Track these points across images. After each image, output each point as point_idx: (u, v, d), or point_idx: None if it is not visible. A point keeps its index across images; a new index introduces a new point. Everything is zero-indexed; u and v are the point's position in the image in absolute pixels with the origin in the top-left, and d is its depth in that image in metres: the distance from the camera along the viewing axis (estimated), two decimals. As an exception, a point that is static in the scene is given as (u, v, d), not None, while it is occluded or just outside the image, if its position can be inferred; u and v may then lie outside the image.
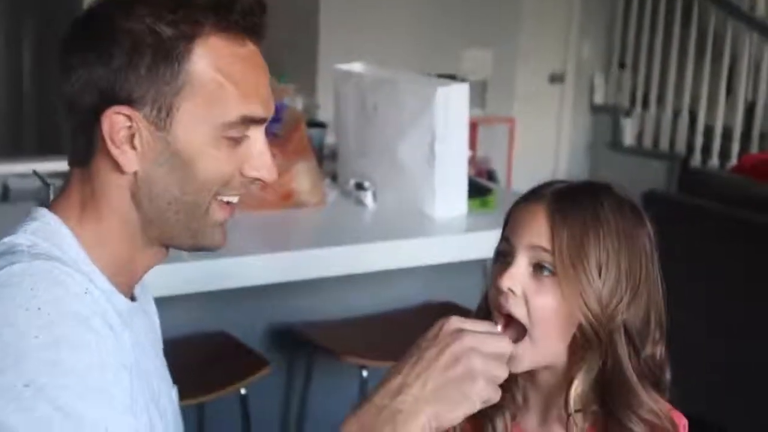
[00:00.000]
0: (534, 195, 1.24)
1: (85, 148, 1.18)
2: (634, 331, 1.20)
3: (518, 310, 1.18)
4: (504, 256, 1.22)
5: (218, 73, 1.15)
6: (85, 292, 1.09)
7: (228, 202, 1.22)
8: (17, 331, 1.02)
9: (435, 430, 1.09)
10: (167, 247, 1.24)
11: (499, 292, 1.19)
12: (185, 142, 1.15)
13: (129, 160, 1.15)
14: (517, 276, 1.18)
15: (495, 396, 1.12)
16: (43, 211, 1.19)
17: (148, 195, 1.17)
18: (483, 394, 1.10)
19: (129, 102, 1.14)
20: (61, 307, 1.05)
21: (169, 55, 1.14)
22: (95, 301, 1.10)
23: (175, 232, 1.20)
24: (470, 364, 1.09)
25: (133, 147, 1.15)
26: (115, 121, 1.14)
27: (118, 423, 1.04)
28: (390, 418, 1.07)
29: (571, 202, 1.21)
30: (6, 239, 1.15)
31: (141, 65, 1.13)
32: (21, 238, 1.14)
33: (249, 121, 1.18)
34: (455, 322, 1.13)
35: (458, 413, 1.10)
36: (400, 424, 1.07)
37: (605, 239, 1.19)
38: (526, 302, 1.18)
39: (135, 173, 1.17)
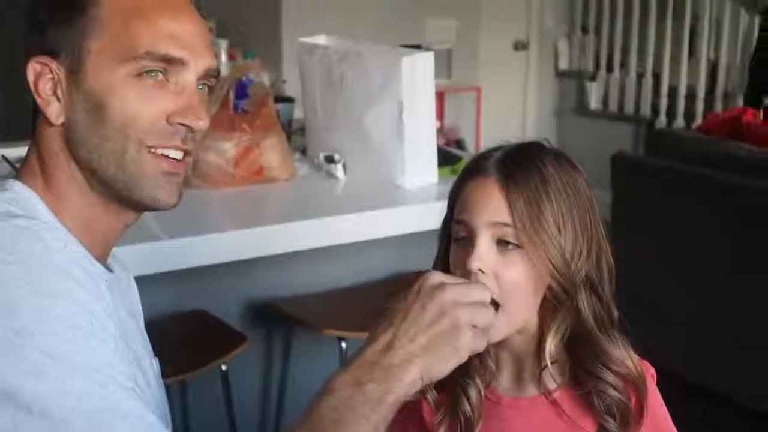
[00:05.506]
0: (477, 171, 1.24)
1: (33, 113, 1.23)
2: (595, 280, 1.23)
3: (489, 288, 1.18)
4: (463, 238, 1.23)
5: (127, 14, 1.18)
6: (64, 246, 1.12)
7: (166, 156, 1.21)
8: (3, 283, 1.04)
9: (427, 380, 1.11)
10: (134, 209, 1.25)
11: (467, 273, 1.19)
12: (95, 82, 1.18)
13: (54, 110, 1.20)
14: (484, 255, 1.19)
15: (481, 344, 1.13)
16: (12, 182, 1.22)
17: (75, 144, 1.20)
18: (470, 344, 1.11)
19: (49, 53, 1.19)
20: (43, 259, 1.08)
21: (78, 1, 1.18)
22: (75, 253, 1.14)
23: (113, 184, 1.21)
24: (456, 316, 1.10)
25: (58, 98, 1.19)
26: (39, 73, 1.19)
27: (109, 364, 1.06)
28: (382, 372, 1.08)
29: (517, 170, 1.21)
30: None
31: (55, 15, 1.19)
32: None
33: (161, 59, 1.19)
34: (436, 276, 1.14)
35: (448, 365, 1.11)
36: (393, 376, 1.08)
37: (557, 197, 1.20)
38: (496, 278, 1.19)
39: (63, 124, 1.20)
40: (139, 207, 1.25)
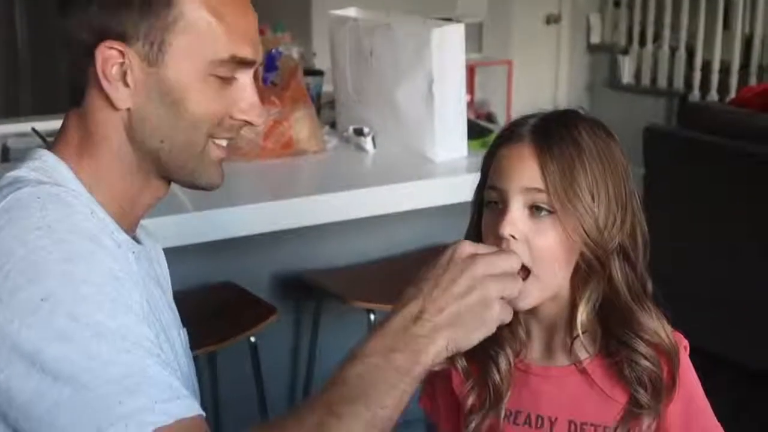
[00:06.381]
0: (512, 137, 1.23)
1: (80, 86, 1.21)
2: (629, 250, 1.21)
3: (521, 254, 1.17)
4: (495, 204, 1.22)
5: (209, 12, 1.18)
6: (92, 213, 1.13)
7: (220, 144, 1.25)
8: (31, 248, 1.04)
9: (453, 351, 1.11)
10: (168, 181, 1.27)
11: (499, 239, 1.18)
12: (175, 78, 1.18)
13: (121, 96, 1.19)
14: (516, 221, 1.18)
15: (508, 317, 1.13)
16: (43, 152, 1.23)
17: (141, 132, 1.21)
18: (499, 317, 1.12)
19: (122, 38, 1.17)
20: (71, 225, 1.08)
21: None
22: (102, 221, 1.14)
23: (171, 169, 1.24)
24: (485, 290, 1.10)
25: (126, 83, 1.18)
26: (108, 56, 1.17)
27: (135, 331, 1.06)
28: (410, 341, 1.09)
29: (552, 137, 1.20)
30: (9, 173, 1.18)
31: (134, 2, 1.16)
32: (23, 172, 1.17)
33: (238, 62, 1.20)
34: (467, 247, 1.13)
35: (475, 338, 1.11)
36: (420, 347, 1.08)
37: (591, 165, 1.19)
38: (528, 244, 1.18)
39: (128, 110, 1.20)
40: (190, 187, 1.28)
